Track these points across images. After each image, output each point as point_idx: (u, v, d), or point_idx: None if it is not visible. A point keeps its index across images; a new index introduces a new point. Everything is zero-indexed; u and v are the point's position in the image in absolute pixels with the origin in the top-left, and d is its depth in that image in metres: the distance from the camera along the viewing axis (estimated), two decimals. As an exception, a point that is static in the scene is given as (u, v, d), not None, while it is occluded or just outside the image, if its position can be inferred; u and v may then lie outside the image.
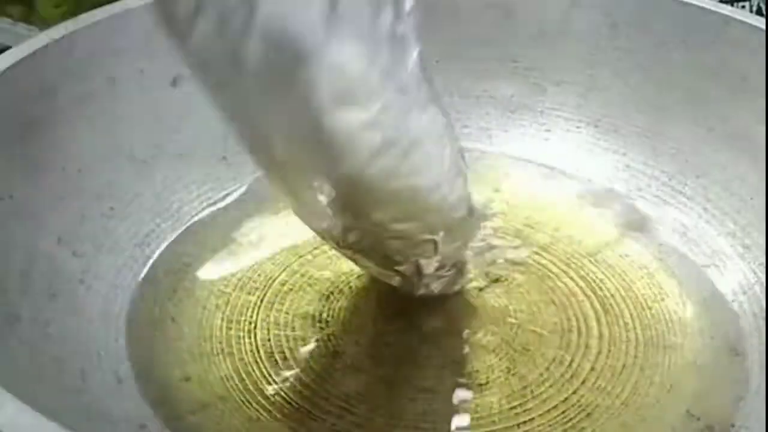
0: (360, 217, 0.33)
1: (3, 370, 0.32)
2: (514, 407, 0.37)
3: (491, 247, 0.42)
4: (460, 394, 0.38)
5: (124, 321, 0.40)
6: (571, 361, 0.39)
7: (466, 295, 0.42)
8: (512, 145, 0.51)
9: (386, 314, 0.41)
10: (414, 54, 0.29)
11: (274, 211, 0.46)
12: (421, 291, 0.38)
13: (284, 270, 0.43)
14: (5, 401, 0.28)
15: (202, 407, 0.36)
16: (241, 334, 0.40)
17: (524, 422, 0.37)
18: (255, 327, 0.40)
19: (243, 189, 0.48)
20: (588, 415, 0.37)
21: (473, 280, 0.42)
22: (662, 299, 0.43)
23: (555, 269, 0.44)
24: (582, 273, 0.44)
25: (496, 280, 0.43)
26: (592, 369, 0.39)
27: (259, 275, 0.43)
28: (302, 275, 0.43)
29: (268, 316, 0.41)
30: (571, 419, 0.37)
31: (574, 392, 0.38)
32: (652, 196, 0.48)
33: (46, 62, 0.42)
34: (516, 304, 0.42)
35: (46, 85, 0.42)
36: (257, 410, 0.36)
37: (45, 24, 0.69)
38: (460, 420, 0.37)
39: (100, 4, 0.45)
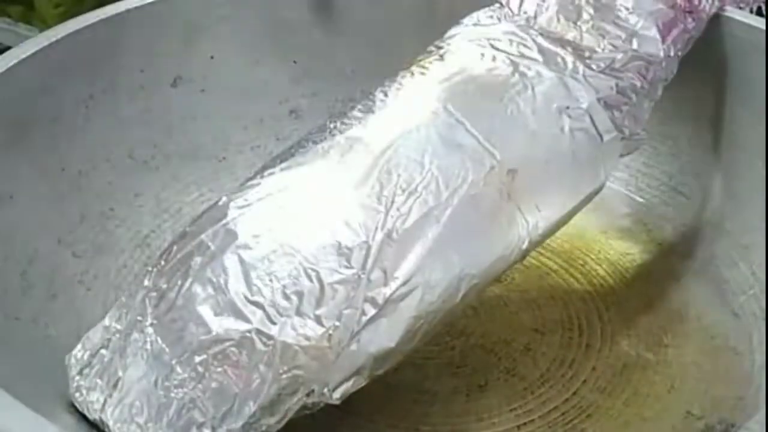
0: None
1: (3, 370, 0.32)
2: (514, 408, 0.37)
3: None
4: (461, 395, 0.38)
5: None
6: (572, 360, 0.39)
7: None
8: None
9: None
10: None
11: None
12: None
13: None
14: (5, 402, 0.28)
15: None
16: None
17: (524, 423, 0.37)
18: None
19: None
20: (588, 415, 0.37)
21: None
22: (662, 298, 0.43)
23: (555, 267, 0.44)
24: (583, 271, 0.44)
25: (497, 280, 0.43)
26: (593, 369, 0.39)
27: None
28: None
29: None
30: (571, 420, 0.37)
31: (575, 392, 0.38)
32: (652, 196, 0.48)
33: (46, 62, 0.42)
34: (516, 303, 0.42)
35: (46, 85, 0.42)
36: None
37: (45, 24, 0.69)
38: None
39: (100, 5, 0.45)
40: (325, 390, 0.31)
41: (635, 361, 0.39)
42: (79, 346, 0.34)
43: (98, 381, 0.33)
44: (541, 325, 0.41)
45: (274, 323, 0.31)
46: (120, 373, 0.32)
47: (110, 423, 0.32)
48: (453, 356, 0.39)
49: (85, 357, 0.34)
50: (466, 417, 0.37)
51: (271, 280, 0.32)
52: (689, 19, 0.42)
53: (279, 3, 0.50)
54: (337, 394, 0.31)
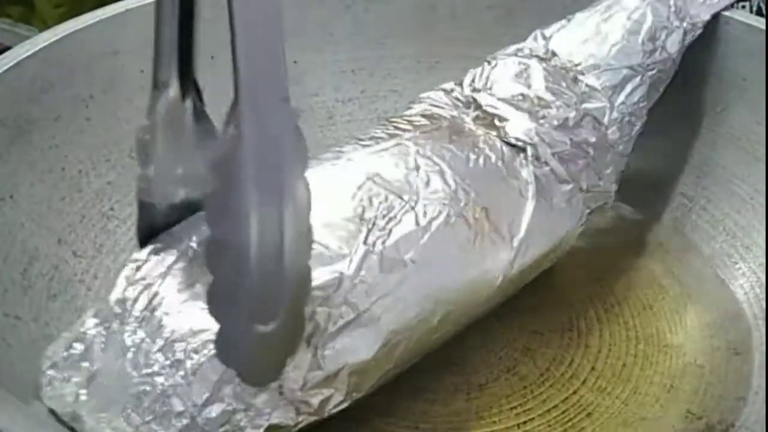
0: None
1: (3, 371, 0.32)
2: (514, 407, 0.37)
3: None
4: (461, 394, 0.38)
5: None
6: (571, 360, 0.39)
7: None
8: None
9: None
10: None
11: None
12: None
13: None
14: (6, 402, 0.28)
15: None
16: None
17: (524, 422, 0.37)
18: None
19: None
20: (588, 414, 0.37)
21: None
22: (662, 298, 0.43)
23: (555, 268, 0.44)
24: (582, 272, 0.44)
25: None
26: (593, 368, 0.39)
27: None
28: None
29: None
30: (571, 419, 0.37)
31: (574, 392, 0.38)
32: (652, 196, 0.48)
33: (46, 62, 0.42)
34: (516, 304, 0.42)
35: (46, 85, 0.42)
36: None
37: (45, 24, 0.69)
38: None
39: (101, 5, 0.45)
40: (298, 389, 0.31)
41: (635, 361, 0.39)
42: (53, 345, 0.34)
43: (72, 373, 0.32)
44: (540, 325, 0.41)
45: None
46: (97, 364, 0.32)
47: (84, 413, 0.31)
48: (453, 355, 0.39)
49: (59, 352, 0.33)
50: (466, 415, 0.37)
51: None
52: (652, 68, 0.44)
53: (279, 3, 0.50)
54: (312, 400, 0.32)
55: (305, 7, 0.50)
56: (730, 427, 0.36)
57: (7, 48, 0.43)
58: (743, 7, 0.53)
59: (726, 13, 0.46)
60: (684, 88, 0.46)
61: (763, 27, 0.44)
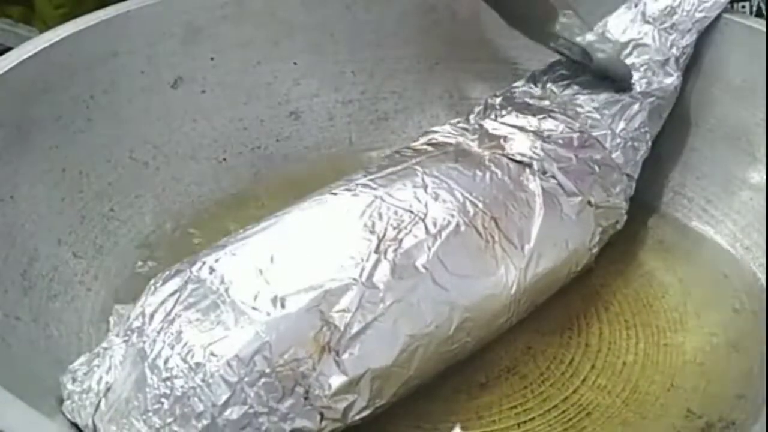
0: None
1: (3, 370, 0.32)
2: (515, 406, 0.37)
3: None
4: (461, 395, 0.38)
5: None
6: (572, 359, 0.39)
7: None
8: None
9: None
10: None
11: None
12: None
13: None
14: (6, 402, 0.28)
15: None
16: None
17: (524, 422, 0.37)
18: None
19: (242, 190, 0.49)
20: (588, 414, 0.37)
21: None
22: (662, 297, 0.43)
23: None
24: (583, 271, 0.44)
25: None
26: (593, 367, 0.39)
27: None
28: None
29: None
30: (571, 418, 0.37)
31: (575, 391, 0.38)
32: (654, 198, 0.48)
33: (47, 63, 0.42)
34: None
35: (46, 86, 0.42)
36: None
37: (45, 25, 0.69)
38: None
39: (101, 6, 0.46)
40: (323, 395, 0.32)
41: (635, 360, 0.39)
42: (74, 362, 0.35)
43: (91, 385, 0.33)
44: (540, 324, 0.41)
45: (272, 323, 0.33)
46: (116, 375, 0.33)
47: (104, 422, 0.32)
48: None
49: (80, 367, 0.34)
50: (466, 415, 0.37)
51: (270, 290, 0.34)
52: (651, 96, 0.45)
53: (279, 3, 0.50)
54: (337, 405, 0.32)
55: (305, 7, 0.50)
56: (730, 425, 0.36)
57: (8, 48, 0.43)
58: (743, 8, 0.54)
59: (726, 15, 0.46)
60: (684, 89, 0.46)
61: (763, 28, 0.44)
